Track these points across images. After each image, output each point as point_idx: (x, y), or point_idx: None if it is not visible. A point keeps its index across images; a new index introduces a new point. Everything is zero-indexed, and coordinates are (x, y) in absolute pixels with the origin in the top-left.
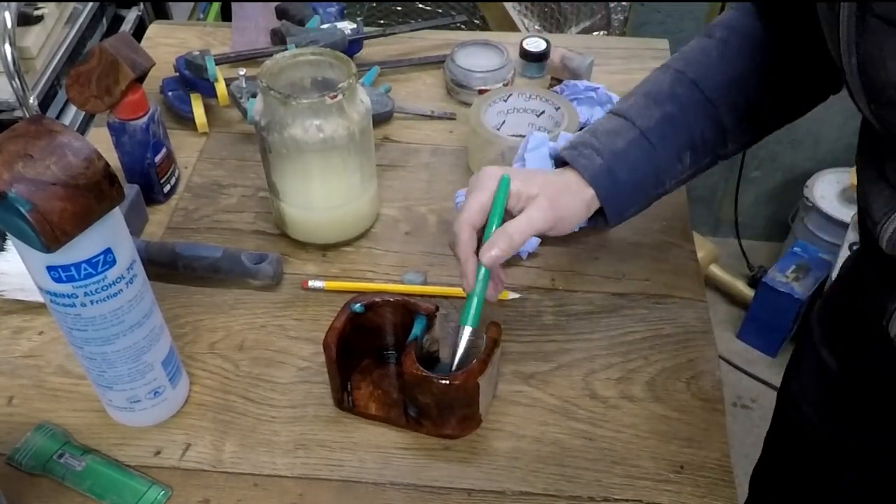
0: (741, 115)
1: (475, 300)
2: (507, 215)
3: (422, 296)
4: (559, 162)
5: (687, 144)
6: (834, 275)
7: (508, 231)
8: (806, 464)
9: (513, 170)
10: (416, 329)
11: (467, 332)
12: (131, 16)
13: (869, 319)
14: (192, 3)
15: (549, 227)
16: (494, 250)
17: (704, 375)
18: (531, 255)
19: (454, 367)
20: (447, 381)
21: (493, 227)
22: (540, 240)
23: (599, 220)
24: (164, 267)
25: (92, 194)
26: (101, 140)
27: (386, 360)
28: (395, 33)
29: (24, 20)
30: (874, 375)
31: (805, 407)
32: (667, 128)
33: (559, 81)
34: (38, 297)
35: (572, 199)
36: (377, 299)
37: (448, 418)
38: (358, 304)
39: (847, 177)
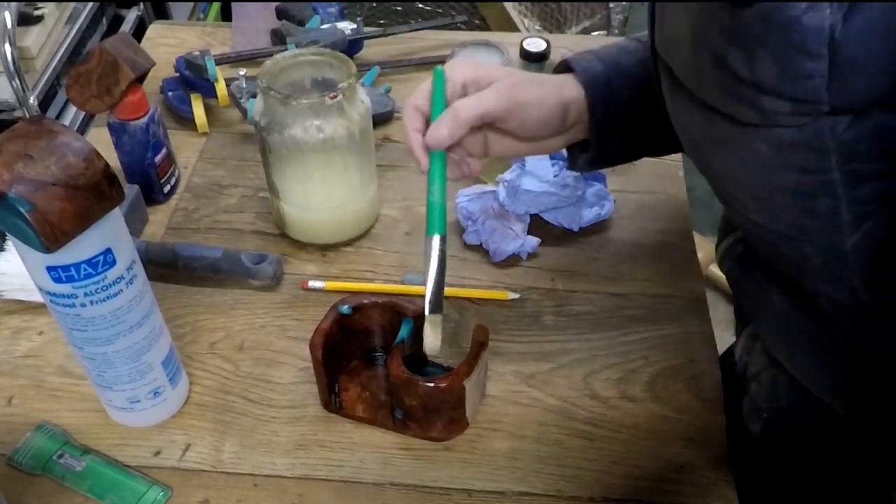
0: None
1: (436, 206)
2: None
3: (422, 296)
4: (557, 71)
5: None
6: None
7: (455, 107)
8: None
9: (478, 65)
10: (403, 331)
11: (435, 241)
12: (131, 16)
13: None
14: (192, 3)
15: (504, 110)
16: (441, 128)
17: (704, 376)
18: (531, 256)
19: (429, 286)
20: (433, 384)
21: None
22: (540, 240)
23: (578, 158)
24: (164, 267)
25: (92, 194)
26: (101, 140)
27: (374, 361)
28: (395, 33)
29: (24, 20)
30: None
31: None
32: None
33: None
34: (37, 298)
35: (543, 89)
36: (365, 301)
37: (434, 421)
38: (345, 306)
39: None
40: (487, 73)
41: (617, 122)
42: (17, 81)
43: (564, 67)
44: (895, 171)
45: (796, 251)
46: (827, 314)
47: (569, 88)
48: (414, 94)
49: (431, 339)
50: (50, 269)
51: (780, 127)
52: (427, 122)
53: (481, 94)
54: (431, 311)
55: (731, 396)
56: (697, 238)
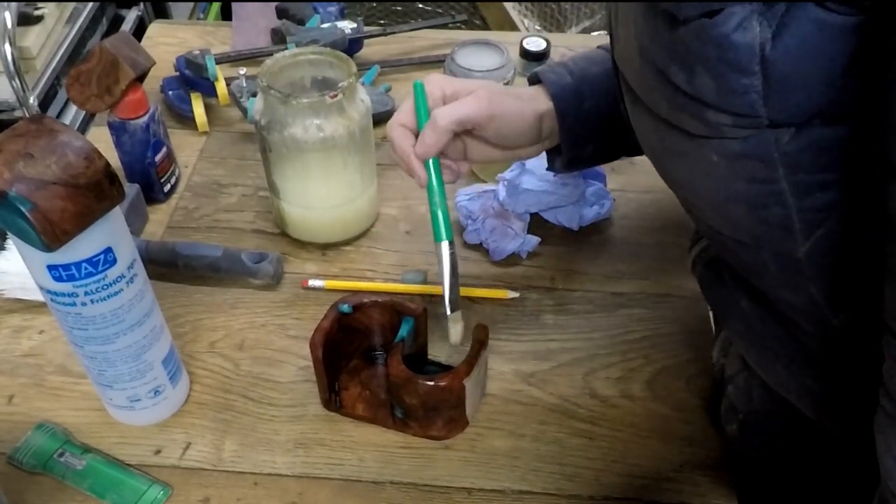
0: None
1: (439, 213)
2: None
3: (422, 295)
4: (531, 82)
5: None
6: None
7: (433, 115)
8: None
9: (455, 78)
10: (403, 330)
11: (444, 247)
12: (131, 15)
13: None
14: (192, 3)
15: (482, 118)
16: (425, 138)
17: (704, 374)
18: (531, 255)
19: (446, 289)
20: (432, 383)
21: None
22: (539, 239)
23: (555, 160)
24: (165, 266)
25: (92, 193)
26: (101, 139)
27: (374, 360)
28: (395, 32)
29: (24, 20)
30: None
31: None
32: None
33: None
34: (38, 296)
35: (519, 102)
36: (365, 300)
37: (434, 419)
38: (346, 305)
39: None
40: (465, 85)
41: (587, 129)
42: (17, 81)
43: (535, 79)
44: (838, 182)
45: (754, 258)
46: (792, 319)
47: (541, 101)
48: (396, 113)
49: (454, 335)
50: (50, 267)
51: (728, 139)
52: (416, 136)
53: (459, 101)
54: (452, 311)
55: (716, 401)
56: None
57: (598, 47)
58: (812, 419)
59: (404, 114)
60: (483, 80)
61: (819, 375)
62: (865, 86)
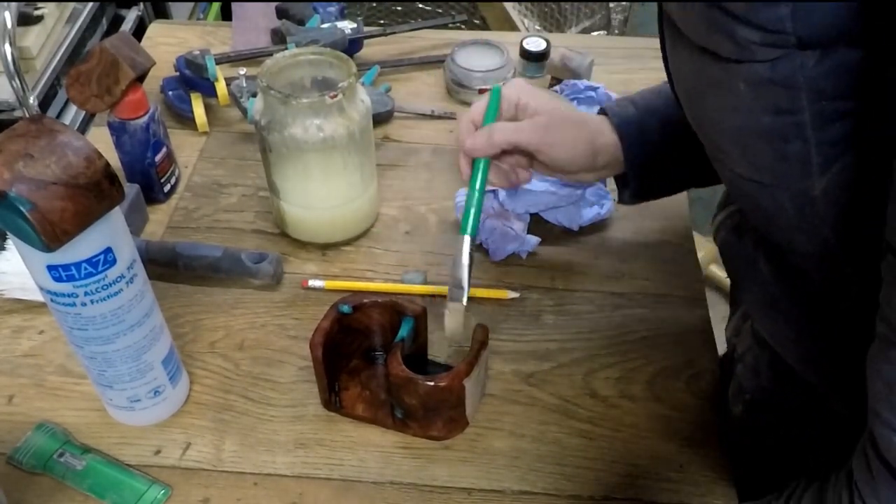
0: None
1: (472, 210)
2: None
3: (422, 295)
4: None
5: None
6: None
7: (492, 127)
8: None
9: (540, 89)
10: (403, 330)
11: (466, 241)
12: (131, 15)
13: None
14: (192, 3)
15: (536, 144)
16: (477, 141)
17: (704, 375)
18: (531, 255)
19: (452, 275)
20: (432, 383)
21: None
22: (539, 239)
23: (624, 192)
24: (165, 266)
25: (92, 193)
26: (101, 139)
27: (374, 360)
28: (395, 33)
29: (24, 20)
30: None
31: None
32: None
33: (559, 81)
34: (38, 297)
35: (577, 132)
36: (365, 300)
37: (434, 420)
38: (346, 305)
39: None
40: (536, 104)
41: (652, 160)
42: (17, 81)
43: (603, 113)
44: (857, 110)
45: (772, 200)
46: (805, 273)
47: (603, 134)
48: (472, 107)
49: (448, 325)
50: (50, 268)
51: (757, 62)
52: None
53: (518, 126)
54: (451, 300)
55: (723, 385)
56: (697, 238)
57: (664, 82)
58: (817, 396)
59: (477, 111)
60: (554, 102)
61: (827, 342)
62: (888, 9)
